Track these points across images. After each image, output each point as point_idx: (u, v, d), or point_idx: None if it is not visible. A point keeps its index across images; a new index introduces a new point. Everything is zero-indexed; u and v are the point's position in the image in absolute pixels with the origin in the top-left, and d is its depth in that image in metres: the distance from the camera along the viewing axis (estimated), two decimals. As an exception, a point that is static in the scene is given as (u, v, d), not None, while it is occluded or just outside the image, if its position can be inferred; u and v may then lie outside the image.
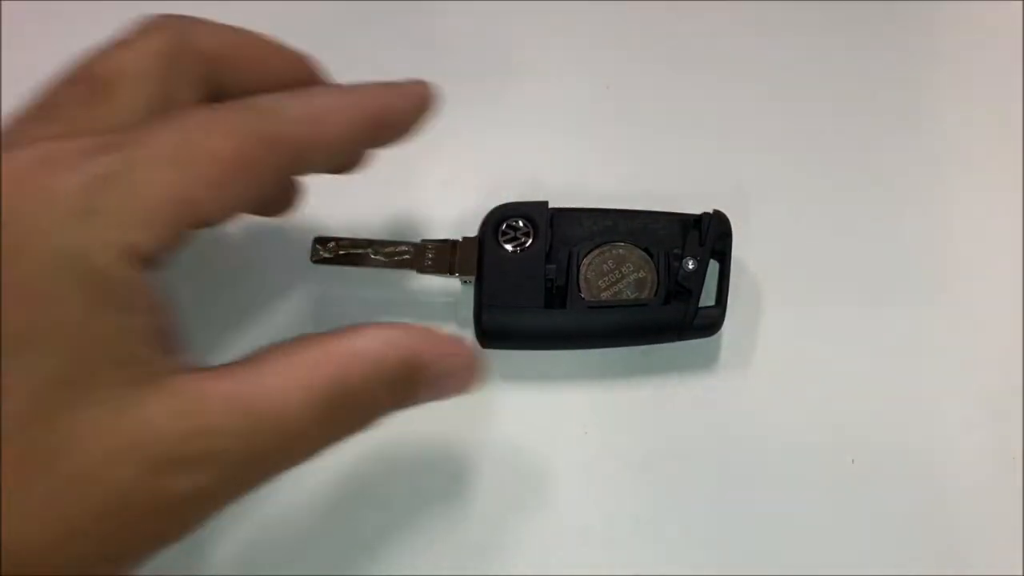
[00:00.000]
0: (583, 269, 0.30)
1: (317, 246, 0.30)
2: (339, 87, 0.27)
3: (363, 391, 0.23)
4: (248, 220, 0.33)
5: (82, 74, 0.24)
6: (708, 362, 0.31)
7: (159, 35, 0.25)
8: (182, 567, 0.30)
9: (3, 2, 0.37)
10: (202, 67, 0.25)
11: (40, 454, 0.20)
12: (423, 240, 0.31)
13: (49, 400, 0.20)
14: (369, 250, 0.31)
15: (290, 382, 0.22)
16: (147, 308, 0.22)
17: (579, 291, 0.30)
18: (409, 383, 0.24)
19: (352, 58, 0.35)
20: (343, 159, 0.27)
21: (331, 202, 0.33)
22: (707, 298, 0.30)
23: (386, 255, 0.31)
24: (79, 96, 0.23)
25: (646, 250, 0.30)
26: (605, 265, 0.30)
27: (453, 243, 0.31)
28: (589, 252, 0.30)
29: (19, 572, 0.19)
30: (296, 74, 0.28)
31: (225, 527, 0.30)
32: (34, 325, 0.20)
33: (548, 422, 0.31)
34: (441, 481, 0.30)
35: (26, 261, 0.20)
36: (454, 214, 0.32)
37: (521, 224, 0.30)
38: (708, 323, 0.30)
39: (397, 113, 0.27)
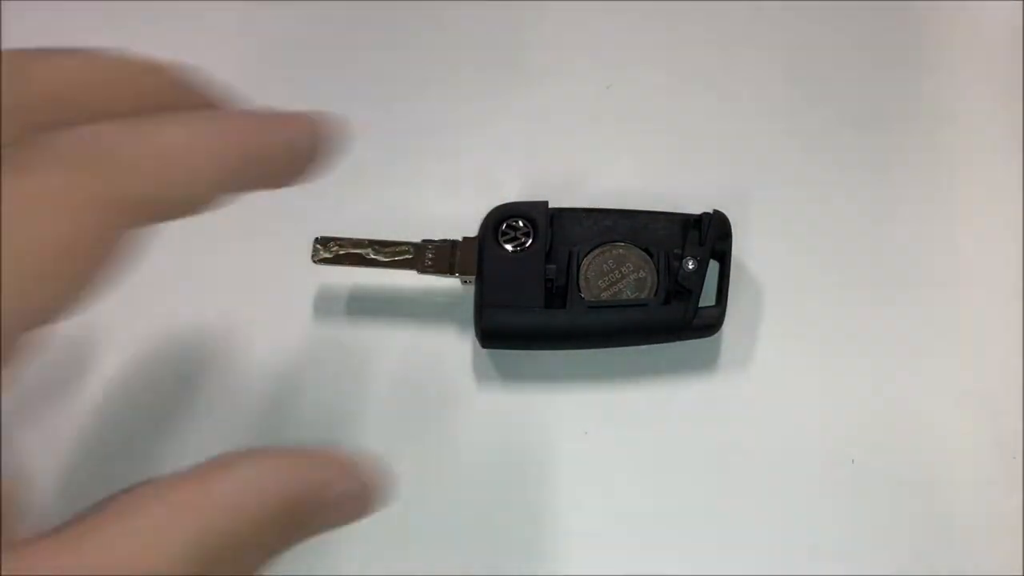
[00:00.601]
0: (583, 269, 0.30)
1: (318, 246, 0.30)
2: (200, 115, 0.21)
3: (235, 542, 0.19)
4: (247, 222, 0.33)
5: None
6: (708, 362, 0.31)
7: None
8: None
9: (3, 2, 0.37)
10: (35, 116, 0.19)
11: None
12: (423, 240, 0.31)
13: None
14: (370, 250, 0.31)
15: (143, 547, 0.18)
16: None
17: (579, 291, 0.30)
18: (291, 523, 0.20)
19: (352, 58, 0.36)
20: (208, 204, 0.20)
21: (331, 202, 0.33)
22: (707, 298, 0.30)
23: (386, 255, 0.31)
24: None
25: (646, 250, 0.30)
26: (605, 265, 0.30)
27: (453, 243, 0.31)
28: (589, 252, 0.30)
29: None
30: (162, 97, 0.21)
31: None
32: None
33: (548, 422, 0.31)
34: (440, 481, 0.30)
35: None
36: (454, 214, 0.32)
37: (521, 224, 0.30)
38: (708, 323, 0.30)
39: (273, 153, 0.21)
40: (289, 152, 0.21)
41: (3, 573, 0.17)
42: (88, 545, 0.18)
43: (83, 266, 0.18)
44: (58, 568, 0.17)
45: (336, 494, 0.21)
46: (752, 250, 0.32)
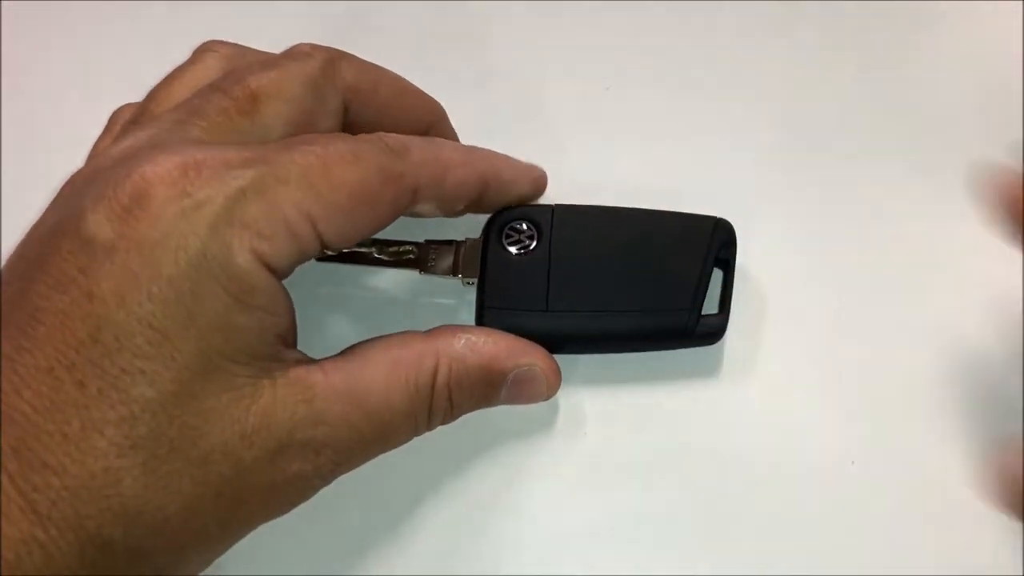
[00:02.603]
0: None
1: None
2: (463, 145, 0.30)
3: (448, 391, 0.27)
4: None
5: (231, 85, 0.25)
6: (710, 369, 0.31)
7: (309, 62, 0.27)
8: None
9: (3, 2, 0.37)
10: (343, 97, 0.28)
11: (175, 435, 0.22)
12: (427, 240, 0.31)
13: (189, 386, 0.22)
14: (373, 249, 0.31)
15: (391, 379, 0.25)
16: (277, 310, 0.24)
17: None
18: (488, 387, 0.27)
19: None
20: (447, 208, 0.29)
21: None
22: (710, 306, 0.30)
23: (390, 254, 0.31)
24: (224, 105, 0.25)
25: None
26: None
27: (457, 244, 0.31)
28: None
29: (148, 539, 0.21)
30: (427, 120, 0.30)
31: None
32: (177, 318, 0.22)
33: (548, 422, 0.31)
34: (440, 480, 0.30)
35: (170, 261, 0.22)
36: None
37: (525, 227, 0.30)
38: (711, 331, 0.30)
39: (505, 184, 0.29)
40: (510, 187, 0.30)
41: (292, 386, 0.23)
42: (353, 371, 0.25)
43: (361, 211, 0.25)
44: (332, 384, 0.24)
45: (521, 375, 0.28)
46: (755, 258, 0.32)
